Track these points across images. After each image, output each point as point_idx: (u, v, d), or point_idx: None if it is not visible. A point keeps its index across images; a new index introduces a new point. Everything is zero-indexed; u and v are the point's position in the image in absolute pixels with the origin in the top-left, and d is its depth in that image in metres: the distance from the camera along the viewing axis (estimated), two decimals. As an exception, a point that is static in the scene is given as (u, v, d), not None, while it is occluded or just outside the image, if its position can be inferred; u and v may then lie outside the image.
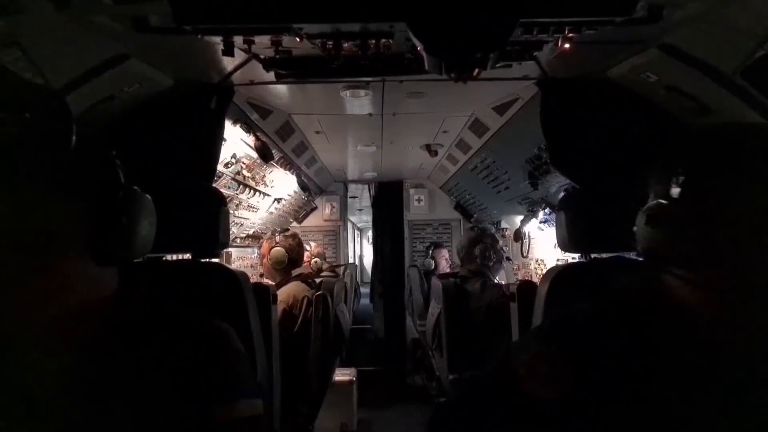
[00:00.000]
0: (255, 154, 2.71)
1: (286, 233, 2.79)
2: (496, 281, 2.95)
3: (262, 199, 3.51)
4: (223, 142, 1.99)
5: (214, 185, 1.98)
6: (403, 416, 4.26)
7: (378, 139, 3.28)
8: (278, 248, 2.68)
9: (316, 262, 3.65)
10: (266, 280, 2.73)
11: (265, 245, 2.76)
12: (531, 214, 3.43)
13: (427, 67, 1.15)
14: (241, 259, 4.04)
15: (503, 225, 4.50)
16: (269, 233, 3.01)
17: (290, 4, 1.10)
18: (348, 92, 2.14)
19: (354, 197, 6.28)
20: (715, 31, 1.16)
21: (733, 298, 0.66)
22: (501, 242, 3.29)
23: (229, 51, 1.27)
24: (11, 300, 0.62)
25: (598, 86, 1.65)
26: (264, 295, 1.56)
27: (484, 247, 2.91)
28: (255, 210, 3.57)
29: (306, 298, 2.51)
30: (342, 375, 3.65)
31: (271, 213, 4.06)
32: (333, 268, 4.09)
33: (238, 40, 1.26)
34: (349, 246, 6.47)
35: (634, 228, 0.78)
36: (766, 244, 0.65)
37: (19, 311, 0.63)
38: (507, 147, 2.87)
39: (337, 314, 2.86)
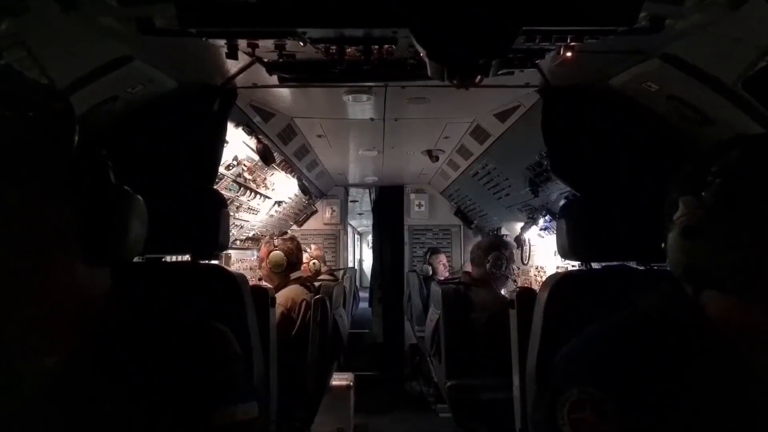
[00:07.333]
0: (256, 157, 2.72)
1: (284, 236, 2.78)
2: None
3: (262, 202, 3.51)
4: (225, 145, 1.99)
5: (215, 187, 1.98)
6: (400, 422, 4.23)
7: (379, 143, 3.29)
8: (277, 252, 2.67)
9: (314, 264, 3.63)
10: (265, 283, 2.73)
11: (264, 249, 2.75)
12: (531, 221, 3.43)
13: (429, 73, 1.15)
14: (240, 261, 4.04)
15: (503, 231, 4.50)
16: (267, 237, 3.00)
17: (294, 9, 1.11)
18: (350, 97, 2.15)
19: (354, 201, 6.29)
20: (716, 41, 1.16)
21: None
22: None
23: (232, 54, 1.28)
24: (2, 300, 0.62)
25: (600, 95, 1.65)
26: (262, 297, 1.55)
27: (498, 256, 2.85)
28: (255, 212, 3.57)
29: (305, 302, 2.51)
30: (339, 379, 3.63)
31: (272, 216, 4.06)
32: (332, 272, 4.08)
33: (242, 43, 1.27)
34: (349, 250, 6.47)
35: (665, 242, 0.71)
36: None
37: (10, 311, 0.62)
38: (508, 154, 2.88)
39: (336, 318, 2.86)
